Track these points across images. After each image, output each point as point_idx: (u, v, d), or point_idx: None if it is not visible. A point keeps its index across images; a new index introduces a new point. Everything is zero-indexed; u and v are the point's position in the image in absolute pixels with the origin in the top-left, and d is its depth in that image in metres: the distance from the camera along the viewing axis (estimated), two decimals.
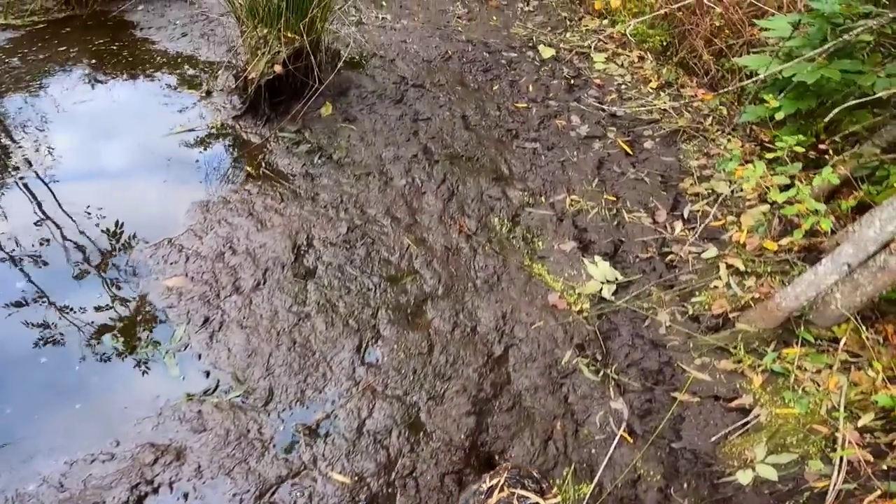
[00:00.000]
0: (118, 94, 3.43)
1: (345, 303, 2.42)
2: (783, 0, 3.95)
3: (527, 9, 5.36)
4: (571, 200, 3.13)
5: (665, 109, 3.88)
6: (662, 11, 4.47)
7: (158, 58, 3.78)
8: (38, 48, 3.71)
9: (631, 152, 3.53)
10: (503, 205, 3.05)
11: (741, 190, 3.21)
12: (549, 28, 4.97)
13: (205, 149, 3.10)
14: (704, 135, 3.67)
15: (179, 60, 3.79)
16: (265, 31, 3.21)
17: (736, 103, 3.98)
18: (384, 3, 5.07)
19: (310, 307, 2.38)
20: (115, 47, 3.81)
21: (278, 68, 3.17)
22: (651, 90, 4.10)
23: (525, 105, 3.81)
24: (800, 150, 2.89)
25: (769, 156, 3.07)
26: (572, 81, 4.17)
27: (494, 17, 5.05)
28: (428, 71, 3.95)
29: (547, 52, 4.50)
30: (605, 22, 5.03)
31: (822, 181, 2.65)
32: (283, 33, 3.19)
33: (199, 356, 2.17)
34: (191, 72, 3.62)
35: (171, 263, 2.47)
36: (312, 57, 3.26)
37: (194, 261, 2.48)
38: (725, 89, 3.94)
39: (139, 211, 2.68)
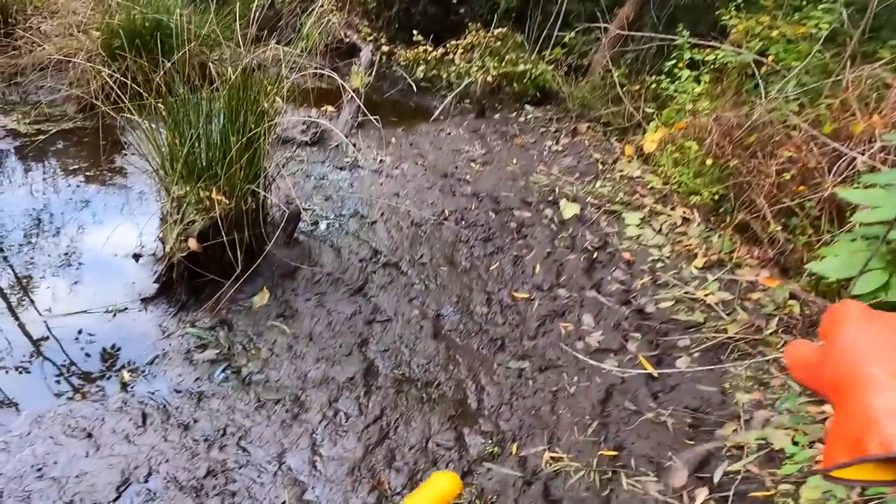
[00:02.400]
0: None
1: None
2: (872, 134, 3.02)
3: (555, 148, 4.66)
4: (551, 457, 2.22)
5: (711, 305, 2.93)
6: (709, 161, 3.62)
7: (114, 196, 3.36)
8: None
9: (655, 375, 2.60)
10: (454, 455, 2.20)
11: (810, 447, 2.19)
12: (577, 174, 4.22)
13: (85, 341, 2.47)
14: (764, 350, 2.68)
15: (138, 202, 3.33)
16: (183, 189, 2.64)
17: (813, 291, 2.98)
18: (393, 139, 4.53)
19: None
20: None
21: (192, 244, 2.57)
22: (695, 272, 3.18)
23: (526, 295, 3.00)
24: None
25: None
26: (595, 255, 3.33)
27: (515, 160, 4.37)
28: (412, 241, 3.25)
29: (569, 211, 3.72)
30: (645, 167, 4.22)
31: None
32: (205, 194, 2.61)
33: None
34: (138, 222, 3.09)
35: None
36: (246, 227, 2.65)
37: None
38: (800, 272, 2.97)
39: None
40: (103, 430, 2.05)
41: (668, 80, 4.32)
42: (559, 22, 5.66)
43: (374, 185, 3.76)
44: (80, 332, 2.51)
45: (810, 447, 2.19)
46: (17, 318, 2.54)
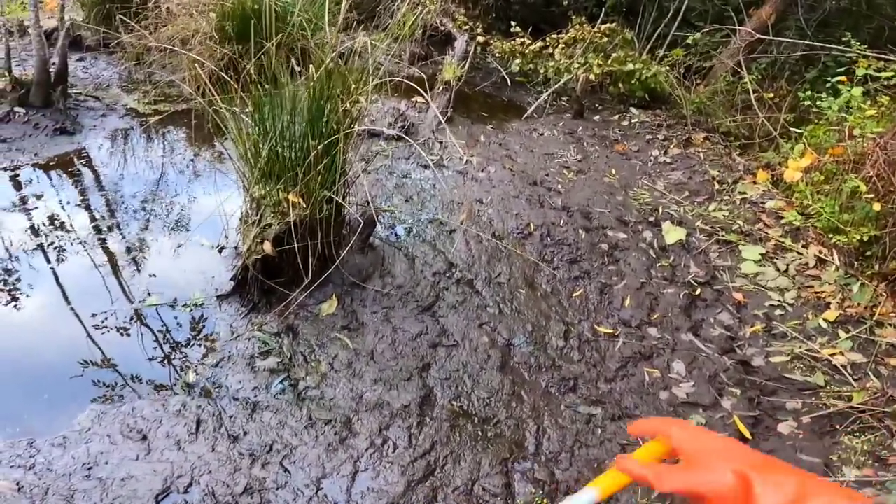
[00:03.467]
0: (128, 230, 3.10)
1: None
2: None
3: (663, 159, 4.21)
4: None
5: (838, 367, 2.46)
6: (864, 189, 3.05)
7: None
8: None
9: (749, 437, 2.22)
10: (498, 503, 1.98)
11: None
12: (687, 193, 3.77)
13: (161, 336, 2.52)
14: (891, 425, 2.19)
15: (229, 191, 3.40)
16: (263, 190, 2.60)
17: None
18: (482, 137, 4.31)
19: None
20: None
21: (267, 247, 2.53)
22: (824, 325, 2.69)
23: (610, 331, 2.69)
24: None
25: None
26: (698, 291, 2.94)
27: (613, 170, 4.00)
28: (490, 256, 3.04)
29: (673, 236, 3.32)
30: (774, 191, 3.68)
31: None
32: (285, 195, 2.55)
33: None
34: (227, 211, 3.12)
35: (14, 465, 1.88)
36: (320, 234, 2.58)
37: (39, 470, 1.86)
38: None
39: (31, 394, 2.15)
40: (158, 433, 2.06)
41: (829, 95, 3.70)
42: (678, 20, 5.12)
43: (456, 189, 3.58)
44: (159, 324, 2.56)
45: None
46: (112, 304, 2.64)
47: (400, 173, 3.69)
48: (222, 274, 2.88)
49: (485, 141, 4.25)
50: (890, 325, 2.61)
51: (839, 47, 3.86)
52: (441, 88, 4.47)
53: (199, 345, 2.50)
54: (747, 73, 4.65)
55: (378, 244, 3.01)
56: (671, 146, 4.38)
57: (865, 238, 3.10)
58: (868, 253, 3.08)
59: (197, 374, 2.36)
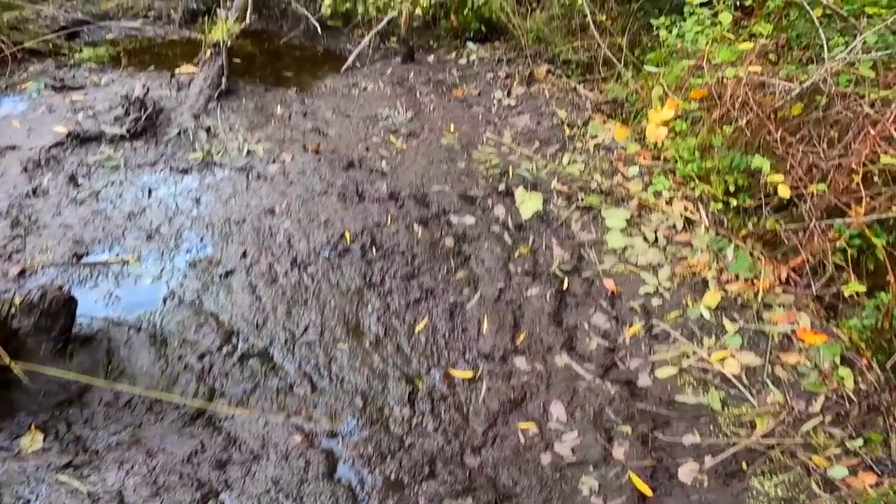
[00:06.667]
0: None
1: None
2: None
3: (507, 102, 3.53)
4: None
5: (730, 379, 2.06)
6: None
7: None
8: None
9: (650, 493, 1.78)
10: None
11: None
12: (538, 143, 3.16)
13: None
14: (805, 459, 1.85)
15: None
16: None
17: (869, 346, 2.13)
18: (278, 108, 3.24)
19: None
20: None
21: None
22: (707, 314, 2.27)
23: (469, 375, 2.06)
24: None
25: None
26: (566, 285, 2.39)
27: (452, 126, 3.25)
28: (290, 302, 2.17)
29: (528, 207, 2.71)
30: (628, 133, 3.17)
31: None
32: None
33: None
34: None
35: None
36: None
37: None
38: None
39: None
40: None
41: (666, 19, 3.14)
42: None
43: (236, 197, 2.57)
44: None
45: None
46: None
47: (139, 190, 2.58)
48: None
49: (282, 114, 3.21)
50: (778, 305, 2.26)
51: None
52: (210, 54, 3.26)
53: None
54: None
55: (98, 328, 2.01)
56: (514, 85, 3.70)
57: (732, 188, 2.73)
58: (737, 206, 2.71)
59: None
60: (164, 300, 2.12)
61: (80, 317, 1.97)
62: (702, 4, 2.89)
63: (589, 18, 3.40)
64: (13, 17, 4.00)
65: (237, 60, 3.66)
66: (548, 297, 2.34)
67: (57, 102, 3.13)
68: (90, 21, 4.24)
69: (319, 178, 2.69)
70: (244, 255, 2.29)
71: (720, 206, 2.70)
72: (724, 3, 2.80)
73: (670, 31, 3.08)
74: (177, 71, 3.42)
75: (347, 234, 2.43)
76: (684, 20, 3.00)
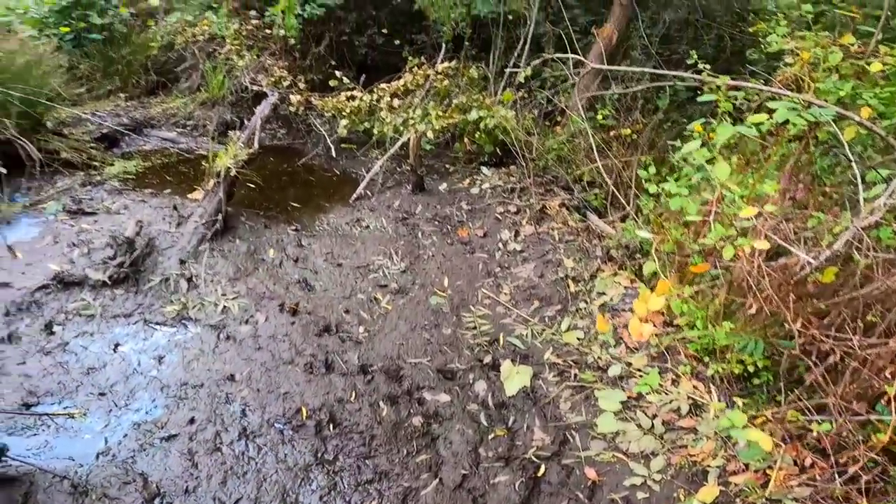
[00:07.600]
0: None
1: None
2: None
3: (513, 246, 3.36)
4: None
5: None
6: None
7: None
8: None
9: None
10: None
11: None
12: (538, 302, 2.93)
13: None
14: None
15: None
16: None
17: None
18: (271, 252, 3.17)
19: None
20: None
21: None
22: None
23: None
24: None
25: None
26: (542, 471, 2.11)
27: (447, 280, 3.09)
28: (228, 472, 2.03)
29: (514, 383, 2.45)
30: (638, 287, 2.89)
31: None
32: None
33: None
34: None
35: None
36: None
37: None
38: None
39: None
40: None
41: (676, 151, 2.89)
42: (526, 48, 4.29)
43: (200, 359, 2.49)
44: None
45: None
46: None
47: (106, 344, 2.53)
48: None
49: (273, 259, 3.17)
50: (791, 500, 1.83)
51: (683, 74, 3.14)
52: (212, 184, 3.33)
53: None
54: (601, 107, 3.93)
55: (25, 471, 1.94)
56: (524, 222, 3.54)
57: (751, 369, 2.35)
58: (754, 383, 2.33)
59: None
60: (98, 455, 2.07)
61: (12, 459, 1.96)
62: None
63: (592, 142, 3.22)
64: (60, 118, 4.02)
65: (251, 185, 3.66)
66: (517, 485, 2.04)
67: (65, 231, 3.20)
68: (132, 128, 4.35)
69: (290, 344, 2.59)
70: (192, 420, 2.19)
71: (737, 389, 2.33)
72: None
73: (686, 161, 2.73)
74: (189, 196, 3.48)
75: (305, 409, 2.27)
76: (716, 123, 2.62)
